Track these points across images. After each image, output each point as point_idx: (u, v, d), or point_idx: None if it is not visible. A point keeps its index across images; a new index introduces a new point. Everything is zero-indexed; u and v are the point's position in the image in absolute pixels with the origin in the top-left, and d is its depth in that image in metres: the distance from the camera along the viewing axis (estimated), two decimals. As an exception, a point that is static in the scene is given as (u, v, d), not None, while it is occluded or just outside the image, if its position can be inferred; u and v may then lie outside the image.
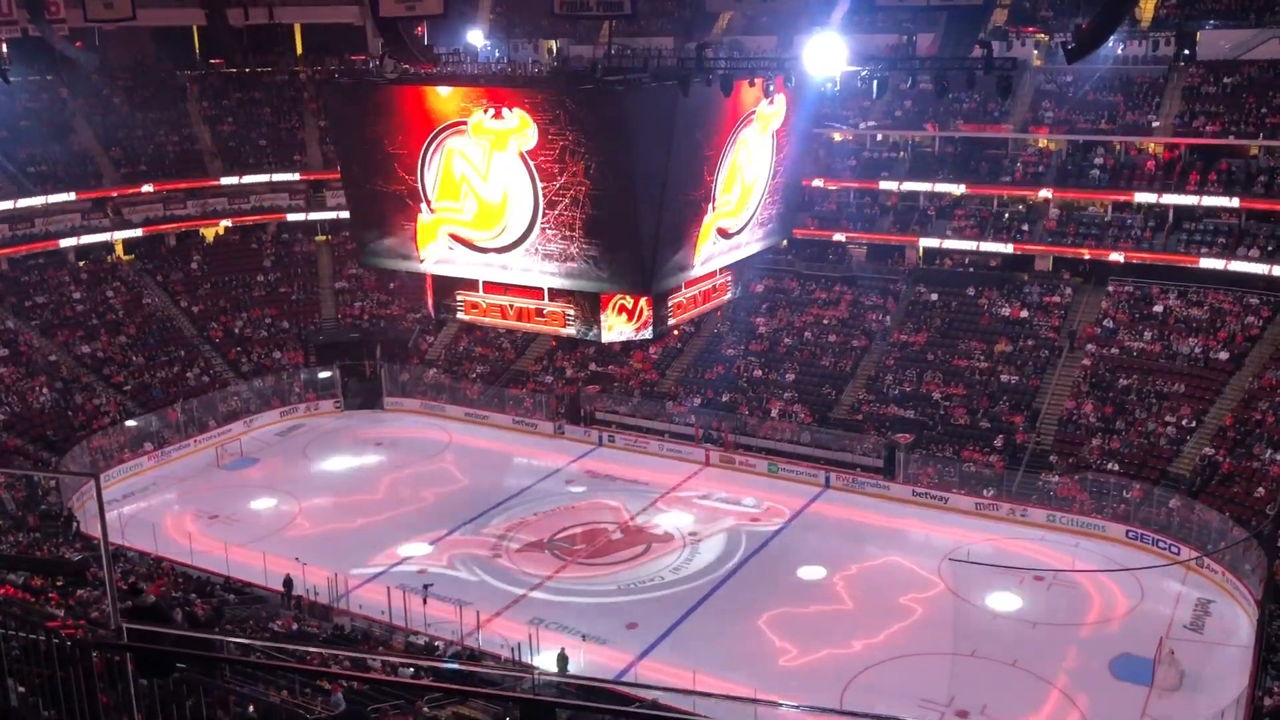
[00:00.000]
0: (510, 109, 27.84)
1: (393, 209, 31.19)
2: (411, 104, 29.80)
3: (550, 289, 30.73)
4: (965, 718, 24.39)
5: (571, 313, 30.58)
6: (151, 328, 45.85)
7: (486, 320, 33.63)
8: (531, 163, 28.03)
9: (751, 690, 24.31)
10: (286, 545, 32.75)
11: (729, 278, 34.57)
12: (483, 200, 29.62)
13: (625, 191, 27.04)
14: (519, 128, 27.69)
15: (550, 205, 28.15)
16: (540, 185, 28.19)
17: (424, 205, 30.88)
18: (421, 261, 31.78)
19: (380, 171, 30.66)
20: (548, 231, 28.71)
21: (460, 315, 33.30)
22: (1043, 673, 26.18)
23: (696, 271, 31.21)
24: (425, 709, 18.50)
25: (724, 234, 31.16)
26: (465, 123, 28.74)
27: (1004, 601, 29.61)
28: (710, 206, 29.71)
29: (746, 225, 32.26)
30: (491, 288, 31.80)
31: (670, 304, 31.64)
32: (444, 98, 29.21)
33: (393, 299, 49.33)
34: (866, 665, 26.66)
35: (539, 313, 31.13)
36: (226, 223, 50.21)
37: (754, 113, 29.82)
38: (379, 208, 31.40)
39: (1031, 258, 42.59)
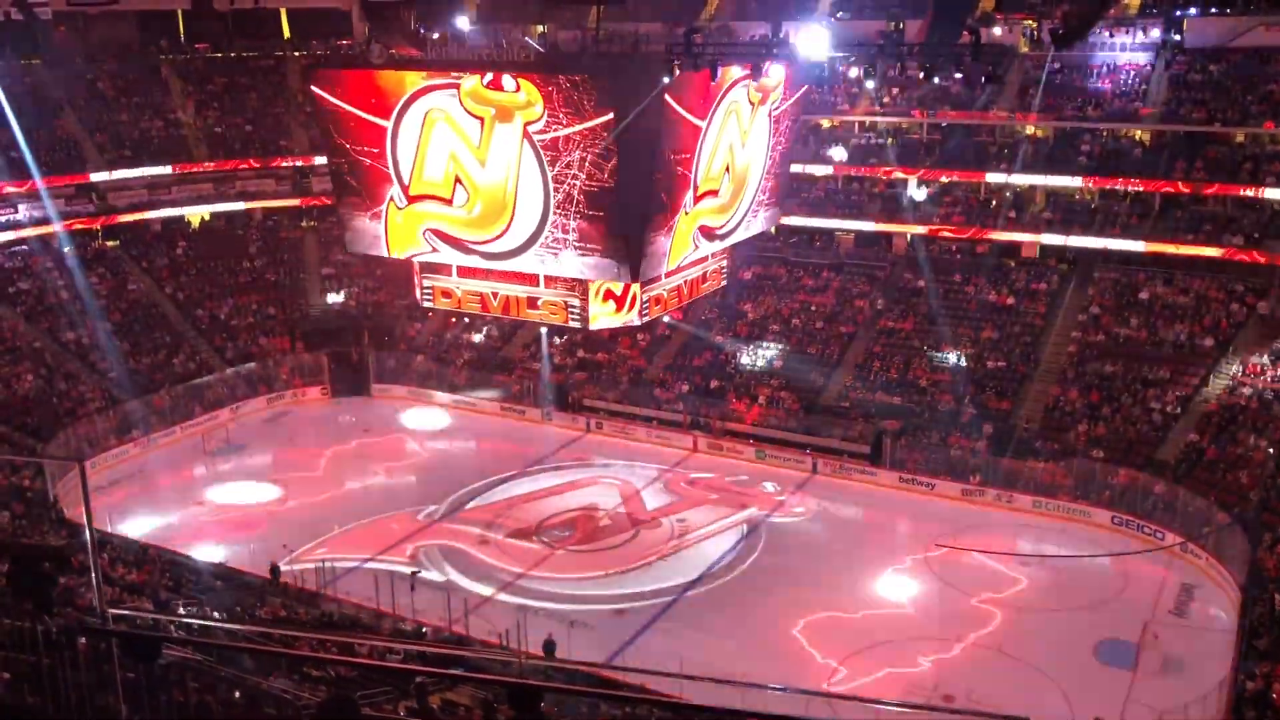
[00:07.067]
0: (515, 78, 24.56)
1: (363, 199, 28.00)
2: (391, 81, 26.61)
3: (545, 277, 28.91)
4: (951, 702, 24.50)
5: (571, 303, 29.04)
6: (137, 314, 45.60)
7: (463, 311, 32.08)
8: (539, 144, 24.67)
9: (739, 674, 24.39)
10: (274, 531, 32.66)
11: (721, 264, 33.78)
12: (480, 189, 25.98)
13: (620, 175, 24.81)
14: (525, 103, 24.44)
15: (566, 198, 25.06)
16: (550, 173, 24.76)
17: (398, 194, 27.38)
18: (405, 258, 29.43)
19: (352, 155, 27.73)
20: (555, 227, 25.45)
21: (428, 303, 31.11)
22: (1028, 657, 26.32)
23: (687, 257, 30.30)
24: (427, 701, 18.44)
25: (708, 233, 29.72)
26: (455, 85, 25.04)
27: (988, 586, 29.73)
28: (691, 198, 28.71)
29: (737, 224, 30.94)
30: (470, 273, 29.88)
31: (660, 290, 30.60)
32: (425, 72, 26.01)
33: (380, 285, 49.13)
34: (853, 650, 26.77)
35: (531, 303, 28.73)
36: (210, 209, 49.92)
37: (744, 96, 28.40)
38: (354, 199, 28.67)
39: (1018, 245, 42.66)
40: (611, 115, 24.28)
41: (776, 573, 30.75)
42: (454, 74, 25.16)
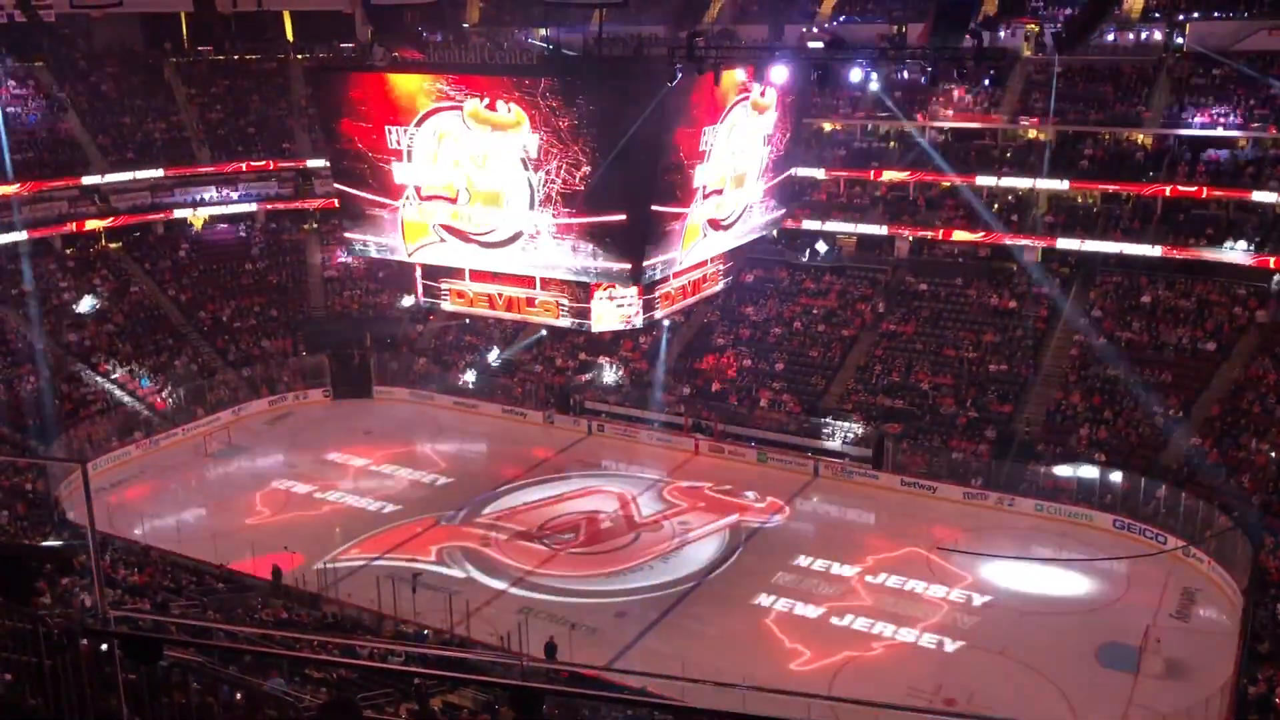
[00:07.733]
0: (507, 102, 27.89)
1: (378, 199, 31.26)
2: (398, 89, 29.79)
3: (540, 279, 31.11)
4: (953, 705, 24.48)
5: (562, 302, 30.92)
6: (139, 316, 45.62)
7: (475, 310, 33.77)
8: (527, 154, 28.08)
9: (740, 677, 24.38)
10: (275, 534, 32.67)
11: (720, 268, 34.73)
12: (479, 191, 29.61)
13: (617, 181, 27.21)
14: (515, 123, 27.94)
15: (546, 198, 28.37)
16: (536, 178, 28.31)
17: (412, 195, 30.68)
18: (410, 255, 32.05)
19: (366, 160, 30.77)
20: (543, 224, 28.78)
21: (448, 305, 33.58)
22: (1030, 660, 26.31)
23: (686, 261, 31.28)
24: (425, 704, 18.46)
25: (715, 225, 31.34)
26: (459, 107, 28.68)
27: (991, 590, 29.71)
28: (700, 196, 29.78)
29: (739, 216, 32.37)
30: (481, 276, 32.12)
31: (660, 294, 31.77)
32: (430, 83, 29.24)
33: (382, 288, 49.12)
34: (855, 653, 26.76)
35: (529, 302, 31.75)
36: (213, 211, 49.91)
37: (747, 99, 29.97)
38: (365, 198, 31.54)
39: (1020, 248, 42.60)
40: (609, 118, 26.94)
41: (774, 575, 30.72)
42: (458, 98, 28.97)
